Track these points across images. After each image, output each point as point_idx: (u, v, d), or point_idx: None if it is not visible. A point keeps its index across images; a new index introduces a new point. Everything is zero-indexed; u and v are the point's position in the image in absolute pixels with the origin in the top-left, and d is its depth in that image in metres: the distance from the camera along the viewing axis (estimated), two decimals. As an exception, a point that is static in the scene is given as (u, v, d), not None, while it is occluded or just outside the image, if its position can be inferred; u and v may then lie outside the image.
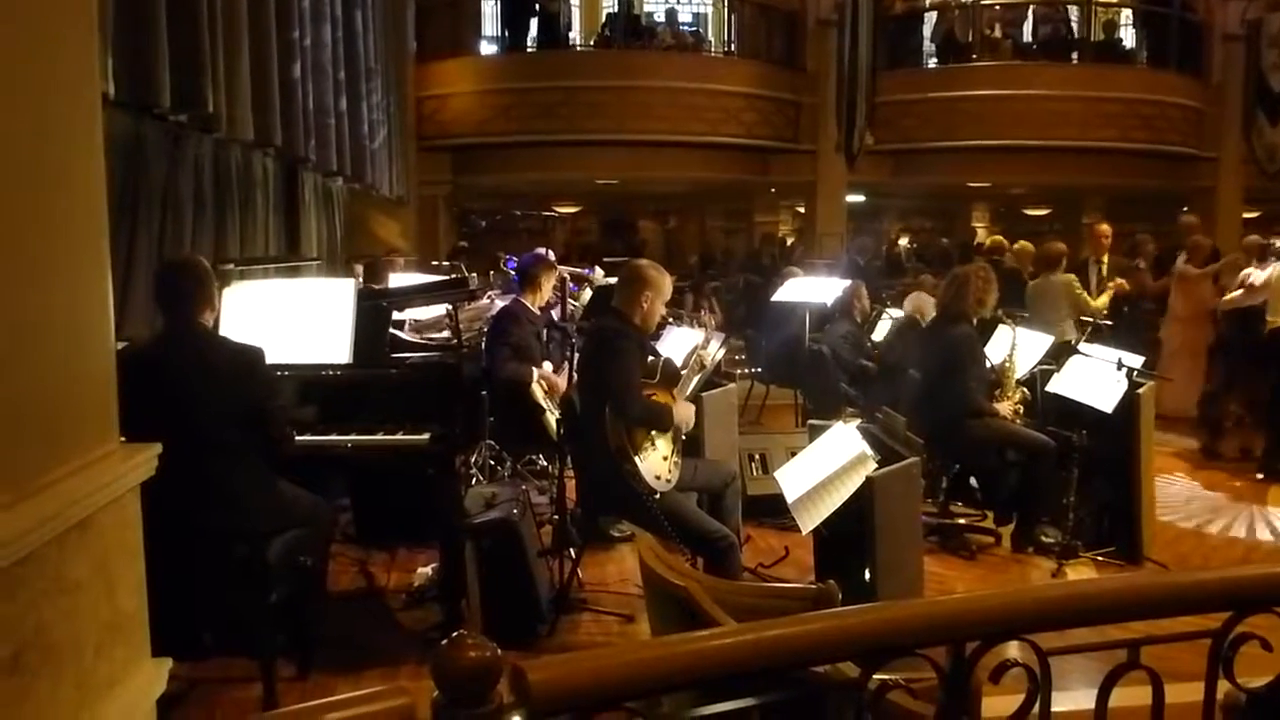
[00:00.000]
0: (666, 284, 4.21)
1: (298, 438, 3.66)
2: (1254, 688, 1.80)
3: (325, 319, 4.01)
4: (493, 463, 6.04)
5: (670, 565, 2.75)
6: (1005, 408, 5.43)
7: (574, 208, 19.44)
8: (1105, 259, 8.52)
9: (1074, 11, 14.38)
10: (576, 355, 4.86)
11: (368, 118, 9.53)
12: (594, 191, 17.20)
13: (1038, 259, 8.10)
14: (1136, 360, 5.27)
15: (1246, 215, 14.53)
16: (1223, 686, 1.86)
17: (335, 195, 9.12)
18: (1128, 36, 14.81)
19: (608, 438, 3.92)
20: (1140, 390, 5.15)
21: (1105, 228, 8.72)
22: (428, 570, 4.56)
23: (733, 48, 14.74)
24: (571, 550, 4.49)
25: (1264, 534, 5.96)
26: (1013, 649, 1.67)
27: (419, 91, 13.22)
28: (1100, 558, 5.16)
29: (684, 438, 4.29)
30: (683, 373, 4.37)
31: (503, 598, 4.02)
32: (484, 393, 4.77)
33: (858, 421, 4.25)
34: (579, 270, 8.14)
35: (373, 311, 4.13)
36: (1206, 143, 13.98)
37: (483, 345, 5.61)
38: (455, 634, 1.32)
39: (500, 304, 6.04)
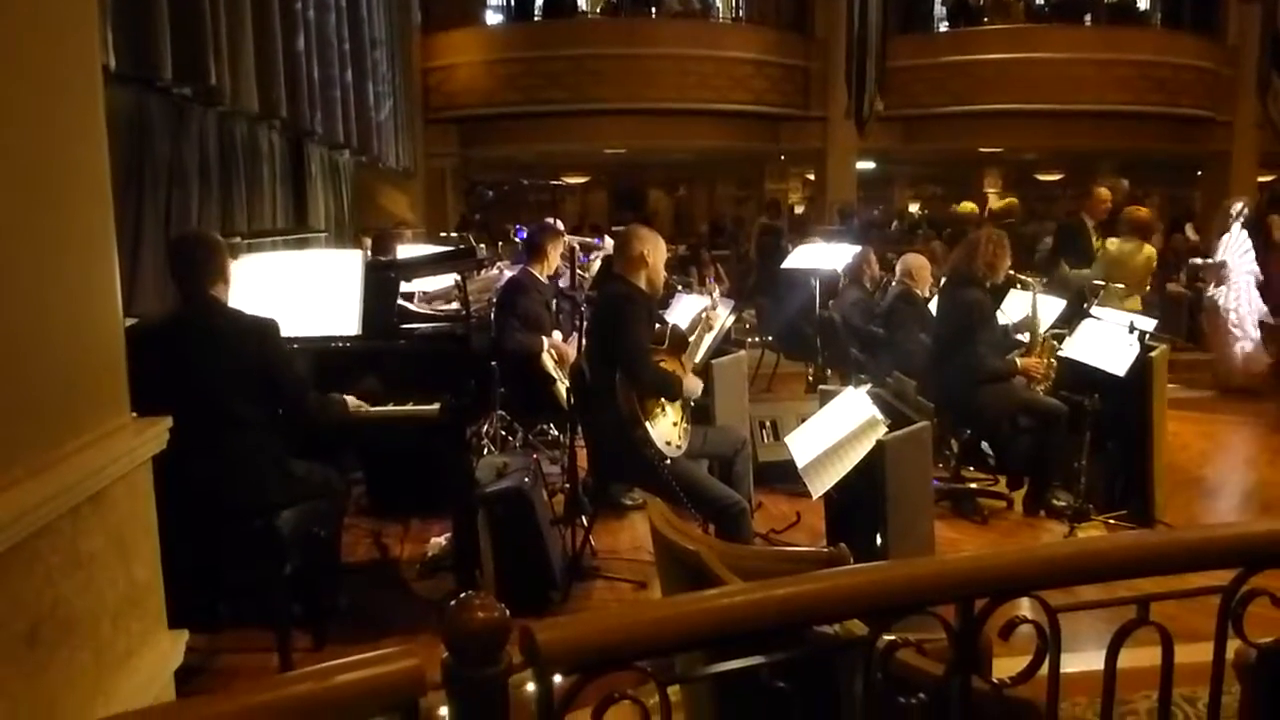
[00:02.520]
0: (660, 243, 4.21)
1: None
2: (1264, 643, 1.80)
3: (333, 291, 4.01)
4: (504, 433, 6.05)
5: (681, 530, 2.75)
6: (1032, 363, 5.39)
7: (582, 178, 19.38)
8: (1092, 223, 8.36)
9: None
10: (585, 324, 4.86)
11: (373, 90, 9.50)
12: (603, 161, 17.14)
13: (1130, 223, 7.83)
14: (1148, 323, 5.23)
15: (1261, 179, 14.37)
16: (1233, 645, 1.86)
17: (342, 168, 9.10)
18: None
19: (618, 405, 3.92)
20: (1153, 354, 5.12)
21: (1104, 191, 8.38)
22: (441, 540, 4.58)
23: (741, 14, 14.61)
24: (583, 518, 4.51)
25: None
26: (1022, 607, 1.67)
27: (425, 63, 13.17)
28: (1112, 521, 5.15)
29: (694, 405, 4.30)
30: (690, 337, 4.36)
31: (516, 566, 4.04)
32: (494, 363, 4.78)
33: (868, 387, 4.23)
34: (588, 240, 8.12)
35: (381, 283, 4.13)
36: (1221, 106, 13.83)
37: (492, 316, 5.61)
38: (464, 595, 1.33)
39: (509, 274, 6.03)
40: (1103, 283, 6.90)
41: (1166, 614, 1.71)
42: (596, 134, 13.72)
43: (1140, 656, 1.84)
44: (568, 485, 4.83)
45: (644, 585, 4.28)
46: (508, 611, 1.31)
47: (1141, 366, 5.07)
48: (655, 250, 4.16)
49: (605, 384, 3.98)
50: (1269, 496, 5.90)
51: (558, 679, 1.34)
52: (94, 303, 2.66)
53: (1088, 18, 13.94)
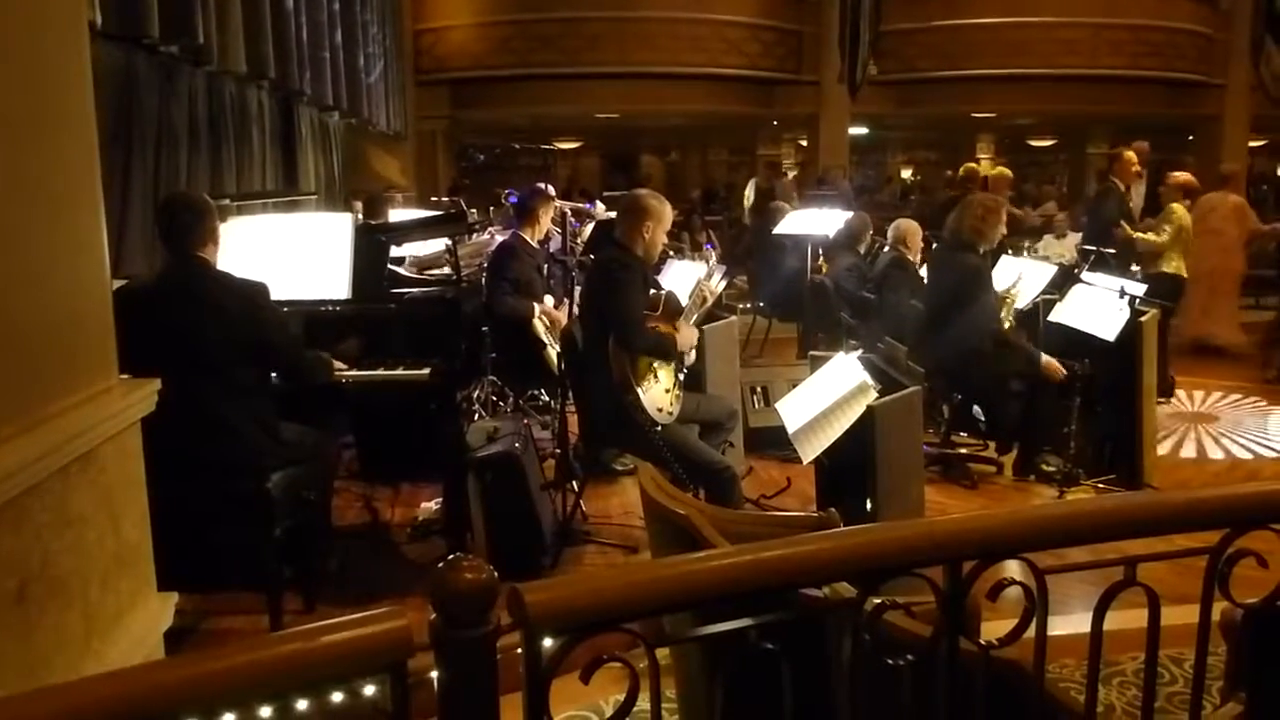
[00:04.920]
0: (667, 213, 4.18)
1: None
2: (1250, 603, 1.81)
3: (323, 254, 3.99)
4: (495, 398, 6.05)
5: (672, 495, 2.76)
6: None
7: (575, 142, 19.26)
8: (1138, 189, 8.31)
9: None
10: (577, 289, 4.83)
11: (364, 51, 9.40)
12: (595, 126, 17.03)
13: (1181, 186, 7.81)
14: (1139, 288, 5.24)
15: (1253, 144, 14.34)
16: (1219, 606, 1.88)
17: (332, 130, 9.02)
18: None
19: (610, 370, 3.91)
20: (1143, 319, 5.13)
21: (1131, 154, 8.14)
22: (431, 505, 4.59)
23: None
24: (574, 483, 4.52)
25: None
26: (1011, 570, 1.68)
27: (416, 24, 13.03)
28: (1101, 485, 5.18)
29: (685, 370, 4.29)
30: (685, 305, 4.35)
31: (506, 531, 4.05)
32: (485, 328, 4.76)
33: (859, 352, 4.24)
34: (580, 205, 8.07)
35: (371, 247, 4.11)
36: (1214, 70, 13.76)
37: (483, 280, 5.59)
38: (452, 557, 1.33)
39: (500, 239, 6.00)
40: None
41: (1154, 576, 1.72)
42: (589, 98, 13.61)
43: (1128, 618, 1.85)
44: (558, 450, 4.84)
45: (635, 550, 4.30)
46: (497, 574, 1.30)
47: (1131, 331, 5.08)
48: (659, 226, 4.14)
49: (598, 350, 3.97)
50: (1256, 461, 5.95)
51: (547, 641, 1.34)
52: (82, 262, 2.64)
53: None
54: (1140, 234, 7.57)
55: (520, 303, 5.45)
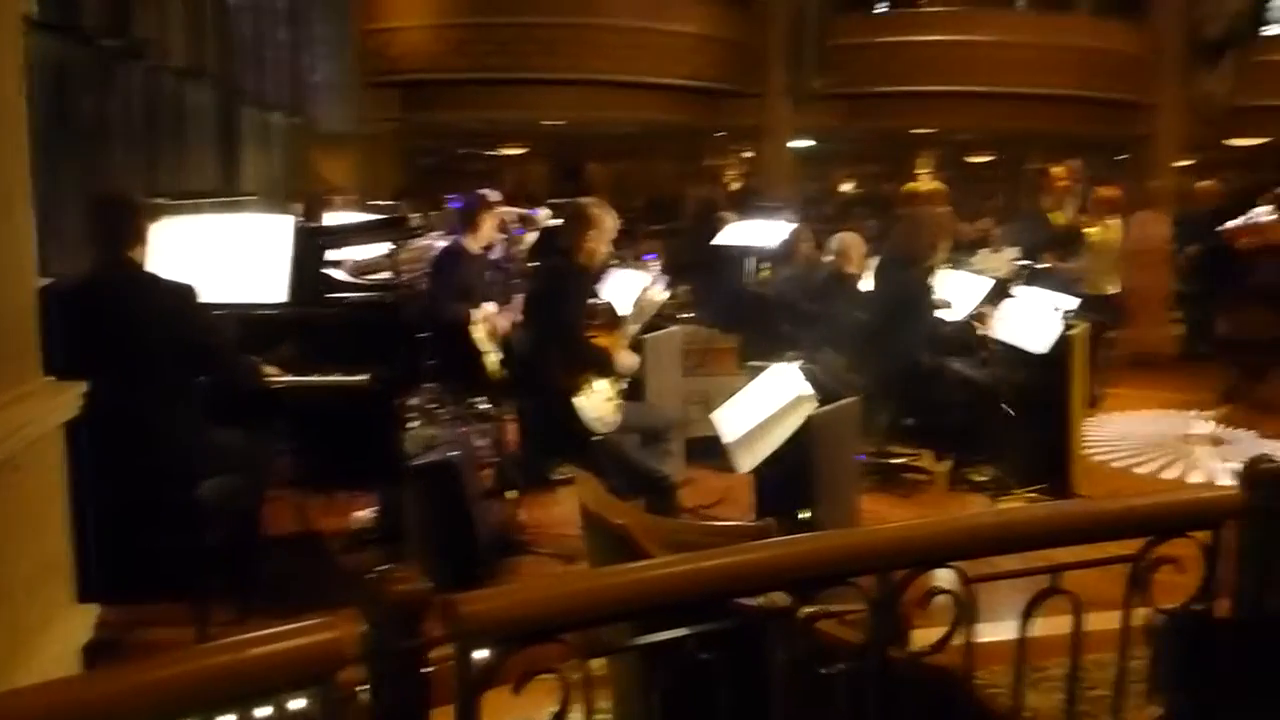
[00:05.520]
0: (610, 222, 4.19)
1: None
2: (1170, 608, 1.86)
3: (262, 256, 3.93)
4: (434, 405, 5.98)
5: (610, 505, 2.76)
6: None
7: (522, 148, 19.18)
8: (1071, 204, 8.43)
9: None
10: (519, 297, 4.82)
11: (311, 49, 9.28)
12: (542, 132, 16.97)
13: (1106, 203, 7.94)
14: (1071, 302, 5.36)
15: (1183, 163, 14.75)
16: (1142, 612, 1.93)
17: (275, 130, 8.88)
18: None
19: (550, 379, 3.91)
20: (1072, 332, 5.24)
21: (1059, 170, 8.18)
22: (367, 514, 4.53)
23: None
24: (513, 493, 4.49)
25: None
26: (942, 578, 1.70)
27: (367, 24, 12.88)
28: (1032, 494, 5.27)
29: (626, 381, 4.30)
30: (627, 315, 4.36)
31: (443, 541, 4.01)
32: (424, 334, 4.71)
33: (798, 363, 4.27)
34: (525, 211, 8.04)
35: (307, 249, 4.05)
36: (1146, 90, 14.13)
37: (423, 286, 5.53)
38: (385, 567, 1.32)
39: (441, 245, 5.95)
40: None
41: (1082, 583, 1.76)
42: (539, 104, 13.56)
43: (1057, 624, 1.89)
44: (497, 459, 4.81)
45: (573, 560, 4.28)
46: (432, 585, 1.29)
47: (1061, 344, 5.19)
48: (601, 235, 4.14)
49: (538, 358, 3.96)
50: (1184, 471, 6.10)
51: (482, 652, 1.33)
52: (7, 259, 2.57)
53: (1022, 2, 14.14)
54: (1062, 264, 7.71)
55: (461, 309, 5.41)
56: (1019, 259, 7.24)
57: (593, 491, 2.70)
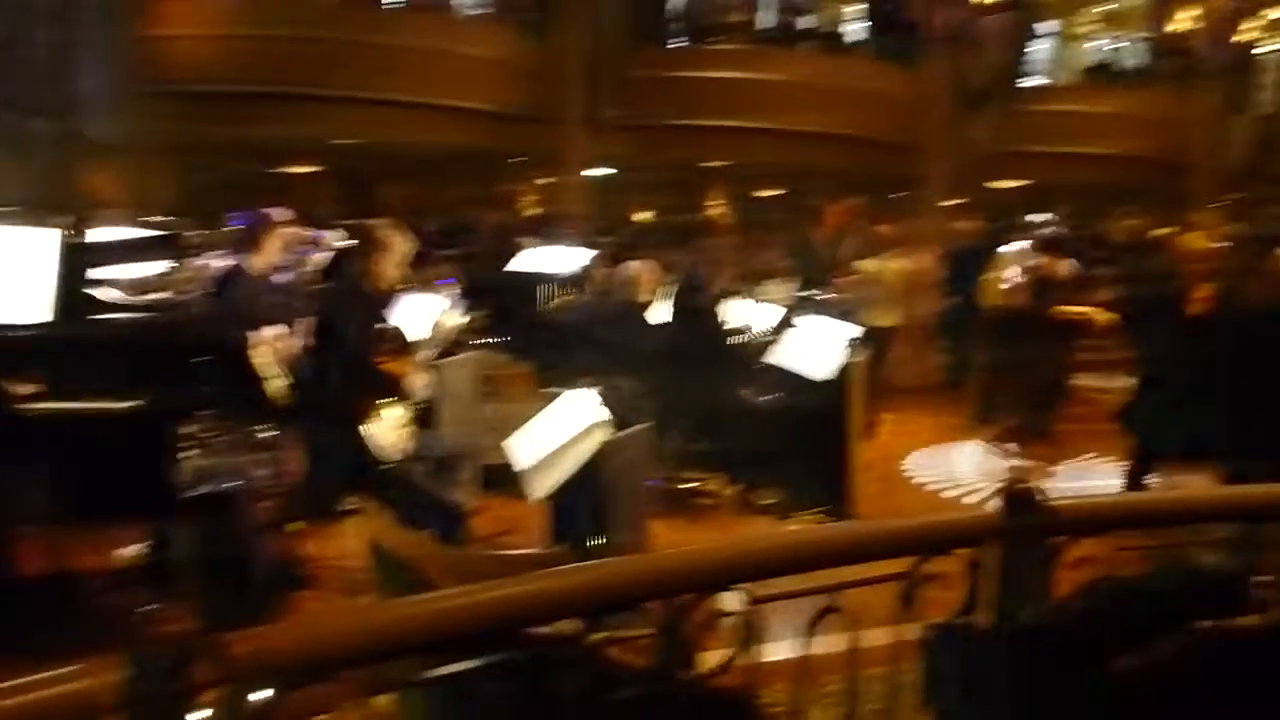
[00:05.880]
0: (401, 245, 4.11)
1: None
2: (938, 623, 1.98)
3: (22, 273, 3.63)
4: (211, 433, 5.66)
5: (397, 536, 2.69)
6: None
7: (311, 167, 18.56)
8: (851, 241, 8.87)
9: (807, 2, 15.19)
10: (305, 320, 4.64)
11: (79, 53, 8.65)
12: (333, 151, 16.47)
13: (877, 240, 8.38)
14: (852, 331, 5.65)
15: (950, 203, 15.85)
16: (913, 627, 2.04)
17: (35, 137, 8.21)
18: (851, 30, 15.77)
19: (337, 405, 3.78)
20: (852, 360, 5.53)
21: (837, 208, 8.61)
22: (134, 550, 4.23)
23: (481, 12, 14.50)
24: (296, 525, 4.31)
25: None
26: (727, 600, 1.75)
27: (146, 30, 12.13)
28: (815, 516, 5.50)
29: (418, 407, 4.21)
30: (419, 341, 4.28)
31: (219, 577, 3.79)
32: (202, 358, 4.46)
33: (593, 389, 4.30)
34: (313, 232, 7.78)
35: (74, 266, 3.77)
36: (917, 134, 15.12)
37: (202, 308, 5.24)
38: (148, 608, 1.23)
39: (222, 265, 5.66)
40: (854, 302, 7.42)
41: (861, 600, 1.85)
42: (329, 121, 13.13)
43: (837, 641, 1.97)
44: (279, 490, 4.59)
45: (358, 595, 4.13)
46: (205, 625, 1.22)
47: (842, 372, 5.46)
48: (393, 252, 4.05)
49: (325, 383, 3.83)
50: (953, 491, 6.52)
51: (262, 694, 1.27)
52: None
53: (805, 44, 14.88)
54: (837, 294, 8.15)
55: (242, 332, 5.15)
56: (802, 290, 7.59)
57: (379, 522, 2.63)
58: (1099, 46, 18.34)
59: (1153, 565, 2.52)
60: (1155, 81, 16.47)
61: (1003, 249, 8.45)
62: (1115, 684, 2.20)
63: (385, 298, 4.34)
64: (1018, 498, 1.93)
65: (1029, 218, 13.76)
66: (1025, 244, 8.41)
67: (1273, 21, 18.11)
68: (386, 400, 3.94)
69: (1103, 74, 17.10)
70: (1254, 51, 16.14)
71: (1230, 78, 15.71)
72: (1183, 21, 16.14)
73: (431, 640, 1.47)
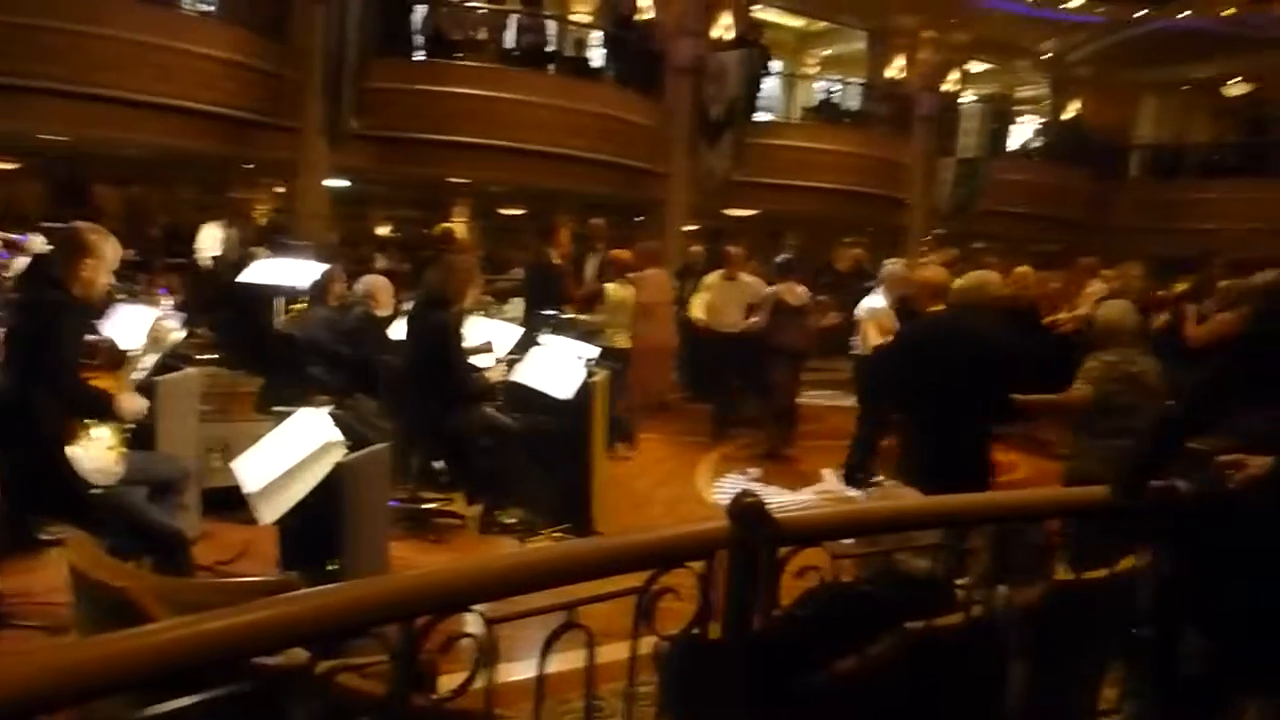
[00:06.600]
0: (111, 251, 3.80)
1: None
2: (672, 634, 2.04)
3: None
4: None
5: (109, 567, 2.50)
6: None
7: (12, 164, 16.89)
8: (593, 261, 9.00)
9: (552, 25, 15.34)
10: (3, 331, 4.20)
11: None
12: (39, 147, 15.06)
13: (618, 264, 8.52)
14: (592, 351, 5.75)
15: (689, 228, 16.48)
16: (650, 640, 2.09)
17: None
18: (597, 56, 16.09)
19: (40, 425, 3.45)
20: (594, 379, 5.62)
21: (566, 230, 8.93)
22: None
23: (212, 9, 13.70)
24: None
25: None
26: (466, 621, 1.72)
27: None
28: (557, 534, 5.55)
29: (133, 427, 3.90)
30: (132, 353, 3.97)
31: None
32: None
33: (329, 407, 4.16)
34: (12, 236, 7.11)
35: None
36: (660, 160, 15.64)
37: None
38: None
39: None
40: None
41: (601, 615, 1.87)
42: (32, 115, 11.92)
43: (577, 658, 1.99)
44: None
45: (61, 632, 3.77)
46: None
47: (584, 391, 5.55)
48: (101, 265, 3.73)
49: (26, 401, 3.48)
50: (691, 505, 6.76)
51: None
52: None
53: (551, 67, 15.03)
54: (582, 316, 8.32)
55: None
56: (542, 309, 7.66)
57: (86, 552, 2.43)
58: (825, 88, 19.72)
59: (868, 571, 2.70)
60: (874, 123, 17.83)
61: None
62: (838, 685, 2.35)
63: (94, 307, 4.00)
64: (745, 511, 2.03)
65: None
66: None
67: (974, 74, 20.20)
68: (96, 419, 3.62)
69: (828, 113, 18.34)
70: (959, 101, 17.88)
71: (939, 122, 17.29)
72: (897, 69, 17.67)
73: (144, 677, 1.37)
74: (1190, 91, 21.36)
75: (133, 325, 4.70)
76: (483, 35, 14.51)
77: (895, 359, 5.35)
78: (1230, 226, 16.75)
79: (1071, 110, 20.64)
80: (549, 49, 15.19)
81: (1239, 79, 19.69)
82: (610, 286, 8.35)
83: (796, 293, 8.59)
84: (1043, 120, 21.64)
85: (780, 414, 8.54)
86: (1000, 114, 18.82)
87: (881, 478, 6.41)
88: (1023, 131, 21.04)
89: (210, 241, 12.26)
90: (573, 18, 17.18)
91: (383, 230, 19.42)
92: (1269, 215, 17.12)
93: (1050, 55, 20.56)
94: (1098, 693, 2.99)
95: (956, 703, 2.44)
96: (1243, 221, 17.10)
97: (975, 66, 20.46)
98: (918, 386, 4.89)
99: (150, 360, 4.13)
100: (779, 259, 9.47)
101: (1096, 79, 20.81)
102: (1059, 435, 6.94)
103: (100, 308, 4.33)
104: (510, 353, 6.08)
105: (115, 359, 3.81)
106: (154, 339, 4.14)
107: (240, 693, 1.52)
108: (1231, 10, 14.17)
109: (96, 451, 3.57)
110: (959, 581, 2.59)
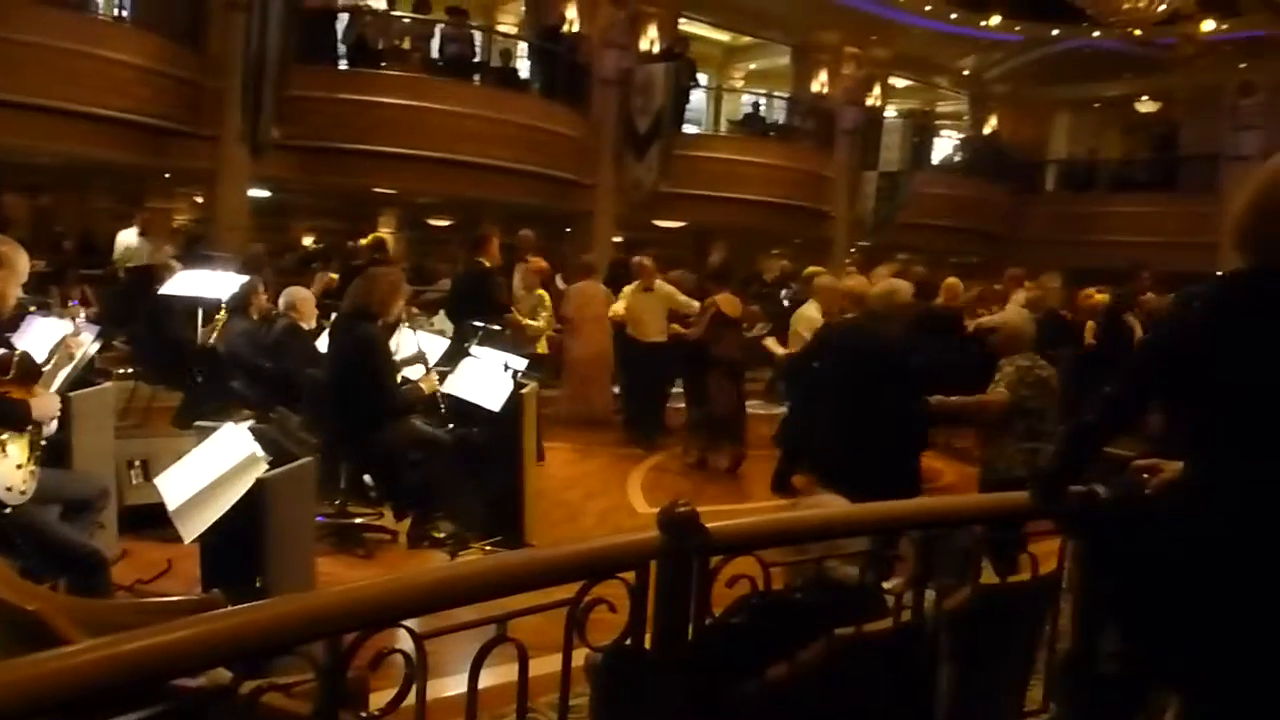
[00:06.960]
0: (22, 262, 3.67)
1: None
2: (603, 645, 2.02)
3: None
4: None
5: (18, 588, 2.41)
6: None
7: (-89, 173, 16.26)
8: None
9: (479, 36, 15.25)
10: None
11: None
12: (-61, 156, 14.54)
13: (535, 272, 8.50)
14: (521, 362, 5.72)
15: (616, 239, 16.51)
16: (582, 652, 2.08)
17: None
18: (523, 67, 16.04)
19: (-57, 443, 3.31)
20: (524, 390, 5.59)
21: (495, 240, 8.69)
22: None
23: (125, 14, 13.37)
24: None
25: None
26: (395, 637, 1.69)
27: None
28: (489, 547, 5.49)
29: (46, 443, 3.76)
30: (46, 368, 3.83)
31: None
32: None
33: (250, 422, 4.07)
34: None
35: None
36: (587, 171, 15.64)
37: None
38: None
39: None
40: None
41: (533, 628, 1.86)
42: (-67, 121, 11.56)
43: (506, 673, 1.96)
44: None
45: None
46: None
47: (514, 401, 5.51)
48: (12, 277, 3.61)
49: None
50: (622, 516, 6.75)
51: None
52: None
53: (477, 78, 14.96)
54: (526, 320, 8.31)
55: None
56: (470, 320, 7.59)
57: (-4, 574, 2.33)
58: (751, 101, 19.92)
59: (798, 578, 2.72)
60: (799, 136, 18.06)
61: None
62: (770, 692, 2.36)
63: (5, 321, 3.87)
64: (676, 521, 2.03)
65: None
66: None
67: (897, 90, 20.61)
68: (13, 430, 3.49)
69: (753, 126, 18.53)
70: (882, 115, 18.21)
71: (862, 136, 17.57)
72: (821, 84, 17.94)
73: (60, 701, 1.32)
74: (1102, 109, 22.12)
75: (45, 338, 4.55)
76: (407, 45, 14.37)
77: (801, 363, 5.48)
78: (1140, 239, 17.28)
79: (989, 126, 21.18)
80: (475, 59, 15.10)
81: (1148, 97, 20.40)
82: (540, 296, 8.36)
83: (734, 303, 8.63)
84: (963, 135, 22.15)
85: (720, 424, 8.53)
86: (922, 128, 19.23)
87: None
88: (944, 146, 21.52)
89: (125, 250, 11.95)
90: (499, 29, 17.11)
91: (307, 240, 19.08)
92: (1176, 229, 17.78)
93: (969, 72, 21.07)
94: (1024, 694, 3.05)
95: (887, 706, 2.47)
96: (1153, 234, 17.69)
97: (898, 82, 20.88)
98: (823, 391, 5.02)
99: (63, 375, 3.99)
100: (712, 263, 9.54)
101: (1013, 95, 21.40)
102: (974, 440, 7.09)
103: (11, 321, 4.18)
104: (438, 363, 6.01)
105: (31, 372, 3.67)
106: (67, 353, 4.01)
107: (160, 715, 1.47)
108: (1139, 32, 14.67)
109: (7, 470, 3.43)
110: (887, 586, 2.62)
